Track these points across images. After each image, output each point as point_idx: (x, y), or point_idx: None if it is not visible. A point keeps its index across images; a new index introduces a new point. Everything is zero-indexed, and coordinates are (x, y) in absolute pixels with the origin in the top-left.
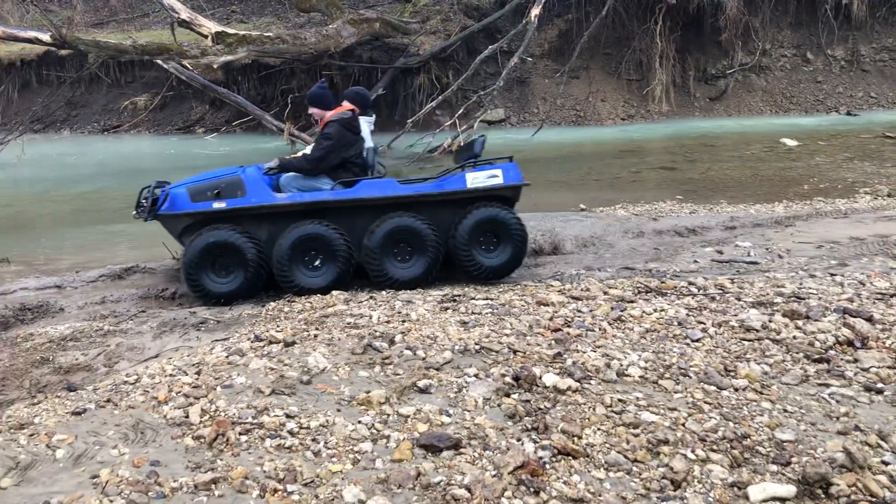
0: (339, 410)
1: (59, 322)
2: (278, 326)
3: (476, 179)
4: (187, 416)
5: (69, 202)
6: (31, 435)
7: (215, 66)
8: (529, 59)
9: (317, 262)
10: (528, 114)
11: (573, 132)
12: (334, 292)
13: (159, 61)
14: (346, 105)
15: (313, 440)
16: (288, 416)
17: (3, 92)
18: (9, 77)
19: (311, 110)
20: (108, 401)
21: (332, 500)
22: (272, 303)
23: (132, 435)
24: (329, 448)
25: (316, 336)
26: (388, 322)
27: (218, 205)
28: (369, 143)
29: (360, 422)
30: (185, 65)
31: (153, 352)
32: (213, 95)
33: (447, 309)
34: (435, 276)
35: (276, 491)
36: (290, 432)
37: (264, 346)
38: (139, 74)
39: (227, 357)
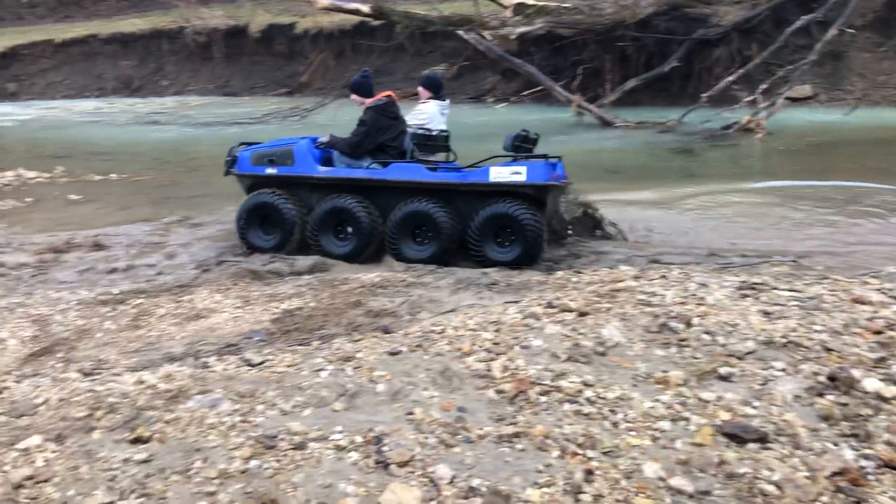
0: (635, 386)
1: (369, 270)
2: (568, 295)
3: (499, 174)
4: (489, 370)
5: None
6: (356, 368)
7: (512, 37)
8: (850, 30)
9: (344, 233)
10: (840, 91)
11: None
12: (622, 267)
13: (460, 32)
14: (385, 93)
15: (611, 411)
16: (585, 383)
17: (323, 59)
18: (328, 45)
19: (352, 97)
20: (419, 346)
21: (632, 472)
22: (559, 272)
23: (440, 380)
24: (627, 421)
25: (608, 309)
26: (682, 303)
27: (270, 170)
28: (440, 125)
29: (657, 400)
30: (484, 35)
31: (450, 306)
32: (505, 65)
33: (746, 297)
34: (448, 260)
35: (575, 454)
36: (588, 400)
37: (557, 313)
38: (439, 44)
39: (522, 319)
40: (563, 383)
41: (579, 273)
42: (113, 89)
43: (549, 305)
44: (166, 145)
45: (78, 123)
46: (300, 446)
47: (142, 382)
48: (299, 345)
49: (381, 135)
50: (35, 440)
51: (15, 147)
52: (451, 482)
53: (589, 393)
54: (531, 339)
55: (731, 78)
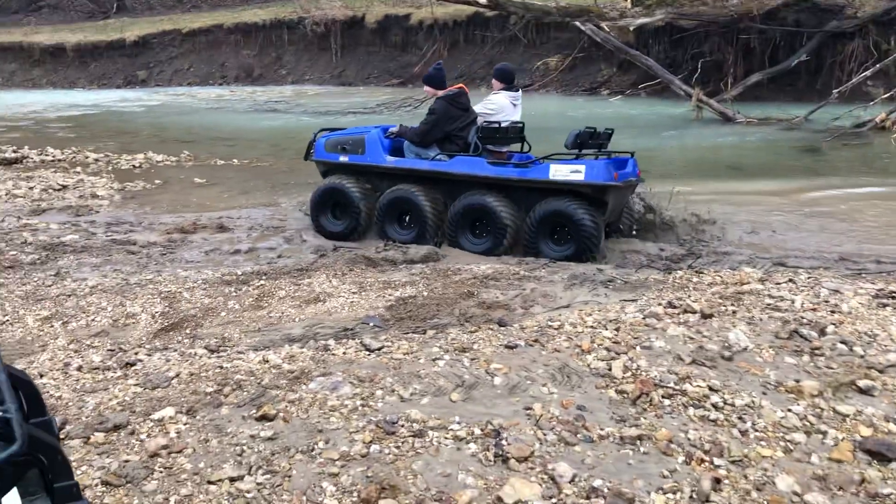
0: (764, 393)
1: (481, 262)
2: (690, 296)
3: (558, 172)
4: (610, 369)
5: None
6: (473, 359)
7: (630, 29)
8: None
9: (406, 222)
10: None
11: None
12: (746, 269)
13: (577, 23)
14: (457, 85)
15: (739, 418)
16: (711, 388)
17: (436, 49)
18: (442, 36)
19: (426, 88)
20: (536, 341)
21: (764, 484)
22: (678, 272)
23: (559, 377)
24: (757, 430)
25: (734, 312)
26: (814, 310)
27: (343, 158)
28: (513, 116)
29: (790, 410)
30: (601, 26)
31: (564, 301)
32: (622, 57)
33: (885, 305)
34: (504, 252)
35: (702, 461)
36: (714, 405)
37: (679, 314)
38: (554, 35)
39: (643, 319)
40: (687, 387)
41: (700, 273)
42: (235, 77)
43: (671, 305)
44: (284, 132)
45: (202, 110)
46: (419, 434)
47: (266, 361)
48: (414, 332)
49: (448, 124)
50: (169, 412)
51: (144, 131)
52: (571, 481)
53: (715, 398)
54: (653, 339)
55: (866, 73)
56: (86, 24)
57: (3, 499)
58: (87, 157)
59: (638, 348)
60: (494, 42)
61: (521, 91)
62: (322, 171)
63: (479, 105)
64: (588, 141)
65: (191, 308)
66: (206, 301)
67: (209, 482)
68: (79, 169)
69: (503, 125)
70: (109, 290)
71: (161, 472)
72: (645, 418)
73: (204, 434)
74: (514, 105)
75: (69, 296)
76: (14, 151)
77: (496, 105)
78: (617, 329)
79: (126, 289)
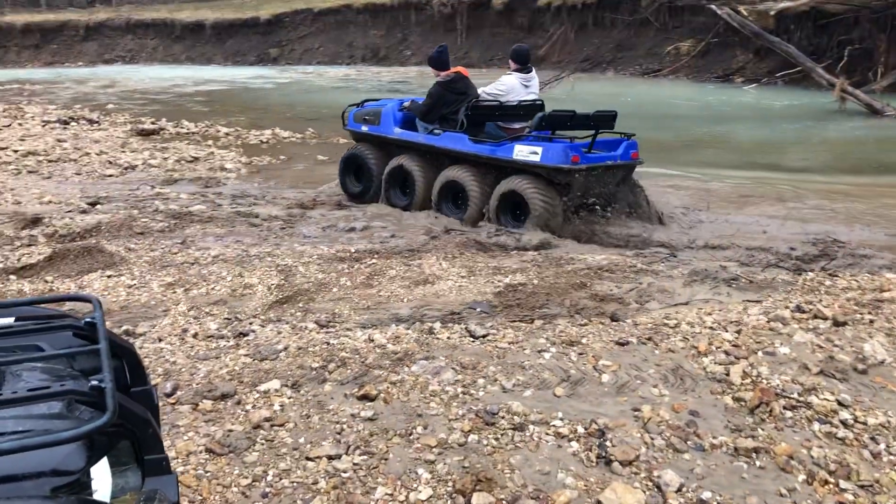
0: None
1: (597, 252)
2: (821, 301)
3: (520, 152)
4: (728, 374)
5: None
6: (581, 354)
7: (771, 13)
8: None
9: (406, 188)
10: None
11: None
12: (888, 275)
13: (713, 6)
14: (455, 69)
15: (871, 439)
16: (840, 403)
17: (563, 32)
18: (569, 18)
19: (431, 70)
20: (650, 339)
21: None
22: (810, 273)
23: (671, 378)
24: (892, 454)
25: (871, 322)
26: None
27: (364, 128)
28: (523, 95)
29: None
30: (739, 10)
31: (682, 298)
32: (759, 44)
33: None
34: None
35: (825, 482)
36: (843, 422)
37: (808, 319)
38: (687, 20)
39: (767, 322)
40: (813, 399)
41: (834, 276)
42: (361, 57)
43: (799, 310)
44: None
45: (328, 89)
46: (520, 427)
47: (371, 341)
48: (521, 321)
49: (444, 107)
50: (274, 384)
51: (273, 108)
52: (678, 490)
53: (845, 414)
54: (777, 345)
55: None
56: (224, 2)
57: (94, 468)
58: (218, 131)
59: (760, 354)
60: (624, 25)
61: (534, 71)
62: (353, 139)
63: (490, 86)
64: (567, 123)
65: (305, 282)
66: (319, 276)
67: (307, 458)
68: (210, 142)
69: (512, 104)
70: (230, 260)
71: (262, 444)
72: (763, 430)
73: (306, 409)
74: (526, 86)
75: (192, 264)
76: (152, 123)
77: (505, 86)
78: (738, 331)
79: (245, 260)
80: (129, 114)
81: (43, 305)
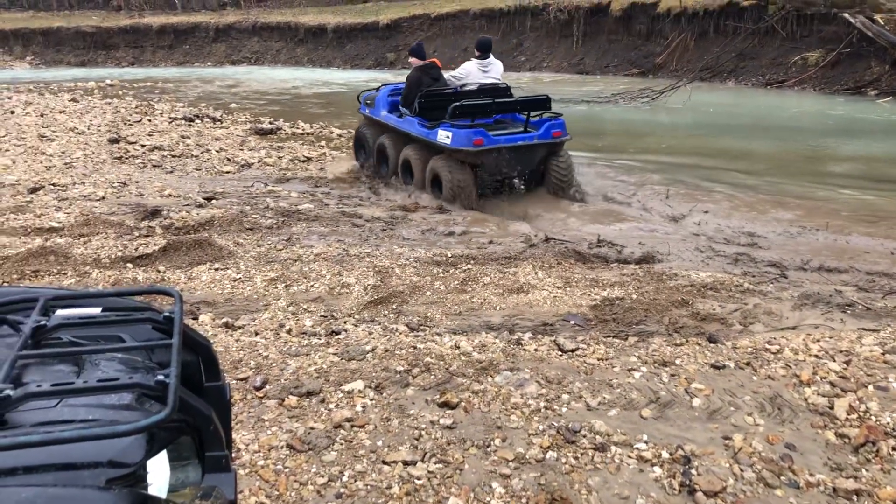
0: None
1: (700, 269)
2: None
3: (440, 136)
4: (832, 408)
5: (711, 154)
6: (672, 375)
7: None
8: None
9: (387, 161)
10: None
11: None
12: None
13: (846, 14)
14: (431, 59)
15: None
16: None
17: (682, 40)
18: (690, 26)
19: (411, 59)
20: (748, 364)
21: None
22: None
23: (769, 407)
24: None
25: None
26: None
27: (366, 111)
28: (482, 79)
29: None
30: (876, 20)
31: (790, 322)
32: None
33: None
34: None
35: None
36: None
37: None
38: (816, 28)
39: (882, 354)
40: None
41: None
42: None
43: None
44: None
45: None
46: (601, 448)
47: (457, 348)
48: (615, 337)
49: (420, 89)
50: (359, 385)
51: None
52: None
53: None
54: (891, 380)
55: None
56: (346, 7)
57: (151, 461)
58: (331, 133)
59: (870, 388)
60: (747, 33)
61: (492, 57)
62: (364, 119)
63: (453, 72)
64: (486, 110)
65: (400, 284)
66: (414, 279)
67: (384, 462)
68: (323, 143)
69: (471, 87)
70: (331, 258)
71: (341, 444)
72: (867, 471)
73: (387, 412)
74: (484, 71)
75: (295, 261)
76: (270, 123)
77: (464, 71)
78: (847, 362)
79: (345, 259)
80: (249, 113)
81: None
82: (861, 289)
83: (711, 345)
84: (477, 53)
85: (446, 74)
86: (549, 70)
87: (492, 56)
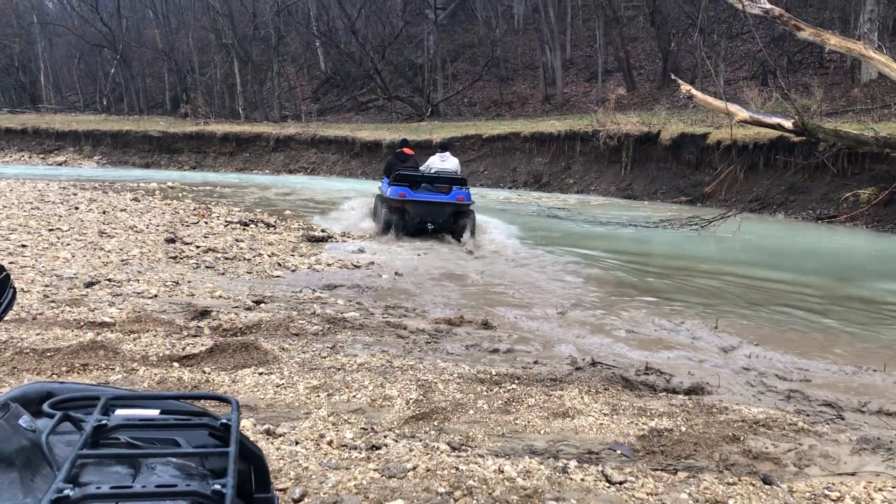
0: None
1: (753, 404)
2: None
3: (386, 190)
4: None
5: (761, 286)
6: None
7: None
8: None
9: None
10: None
11: None
12: None
13: None
14: (406, 149)
15: None
16: None
17: (731, 171)
18: (739, 158)
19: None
20: None
21: None
22: None
23: None
24: None
25: None
26: None
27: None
28: (440, 166)
29: None
30: None
31: (849, 467)
32: None
33: None
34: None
35: None
36: None
37: None
38: (868, 167)
39: None
40: None
41: None
42: (524, 182)
43: None
44: (567, 235)
45: (491, 209)
46: None
47: (501, 472)
48: (663, 470)
49: (394, 170)
50: None
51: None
52: None
53: None
54: None
55: None
56: (401, 125)
57: None
58: (378, 241)
59: None
60: (797, 168)
61: (449, 153)
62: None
63: (427, 163)
64: (418, 180)
65: (442, 400)
66: (457, 395)
67: None
68: (370, 251)
69: (430, 173)
70: (374, 369)
71: None
72: None
73: None
74: (442, 161)
75: (339, 369)
76: (322, 231)
77: (429, 162)
78: None
79: (388, 371)
80: (302, 220)
81: (186, 401)
82: None
83: (766, 486)
84: (439, 150)
85: (423, 165)
86: (597, 193)
87: (448, 153)
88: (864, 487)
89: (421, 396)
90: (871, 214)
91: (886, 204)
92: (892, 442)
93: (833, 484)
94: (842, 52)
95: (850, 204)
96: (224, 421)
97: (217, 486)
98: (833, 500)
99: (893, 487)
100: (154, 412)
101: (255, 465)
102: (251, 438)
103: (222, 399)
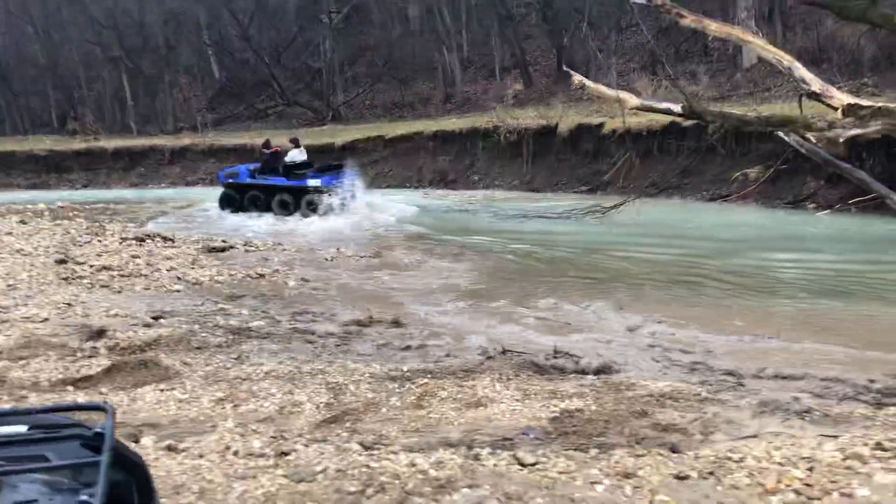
0: None
1: (659, 378)
2: None
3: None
4: None
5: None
6: (636, 487)
7: (840, 140)
8: None
9: (256, 204)
10: None
11: None
12: None
13: (780, 133)
14: (275, 148)
15: None
16: None
17: (627, 158)
18: (634, 145)
19: (263, 149)
20: (712, 473)
21: None
22: (892, 408)
23: None
24: None
25: None
26: None
27: (230, 180)
28: (300, 158)
29: None
30: (808, 138)
31: (750, 430)
32: (830, 170)
33: None
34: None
35: None
36: None
37: (890, 459)
38: (754, 146)
39: (843, 460)
40: None
41: None
42: (430, 181)
43: (880, 447)
44: (475, 229)
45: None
46: None
47: (413, 465)
48: (575, 450)
49: (271, 165)
50: None
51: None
52: None
53: None
54: (854, 486)
55: None
56: (303, 130)
57: None
58: (285, 249)
59: (835, 494)
60: (689, 151)
61: (302, 147)
62: (223, 186)
63: (287, 157)
64: (296, 171)
65: (354, 401)
66: (369, 395)
67: None
68: (276, 258)
69: (296, 163)
70: (282, 376)
71: None
72: None
73: None
74: (302, 152)
75: (244, 379)
76: (222, 241)
77: (291, 156)
78: (810, 469)
79: (297, 377)
80: (202, 232)
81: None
82: (817, 395)
83: (674, 455)
84: (293, 145)
85: (287, 158)
86: (502, 188)
87: (302, 146)
88: (765, 447)
89: (332, 399)
90: (760, 192)
91: (774, 181)
92: (788, 403)
93: (736, 447)
94: (722, 37)
95: (741, 183)
96: (97, 430)
97: (84, 498)
98: (736, 462)
99: (791, 444)
100: (22, 428)
101: (136, 475)
102: (152, 456)
103: (96, 407)
